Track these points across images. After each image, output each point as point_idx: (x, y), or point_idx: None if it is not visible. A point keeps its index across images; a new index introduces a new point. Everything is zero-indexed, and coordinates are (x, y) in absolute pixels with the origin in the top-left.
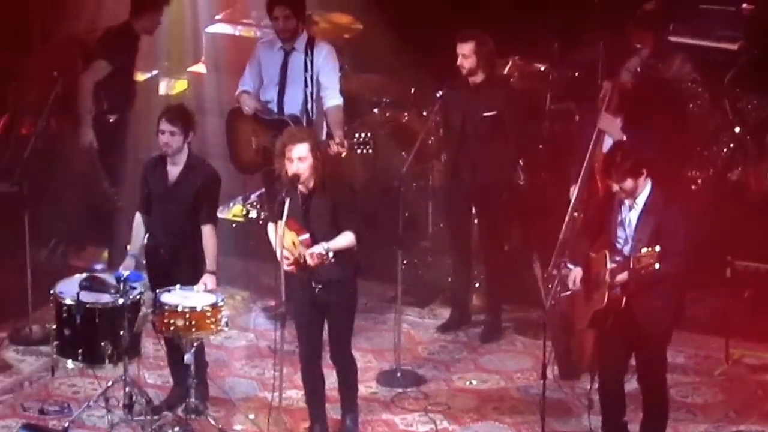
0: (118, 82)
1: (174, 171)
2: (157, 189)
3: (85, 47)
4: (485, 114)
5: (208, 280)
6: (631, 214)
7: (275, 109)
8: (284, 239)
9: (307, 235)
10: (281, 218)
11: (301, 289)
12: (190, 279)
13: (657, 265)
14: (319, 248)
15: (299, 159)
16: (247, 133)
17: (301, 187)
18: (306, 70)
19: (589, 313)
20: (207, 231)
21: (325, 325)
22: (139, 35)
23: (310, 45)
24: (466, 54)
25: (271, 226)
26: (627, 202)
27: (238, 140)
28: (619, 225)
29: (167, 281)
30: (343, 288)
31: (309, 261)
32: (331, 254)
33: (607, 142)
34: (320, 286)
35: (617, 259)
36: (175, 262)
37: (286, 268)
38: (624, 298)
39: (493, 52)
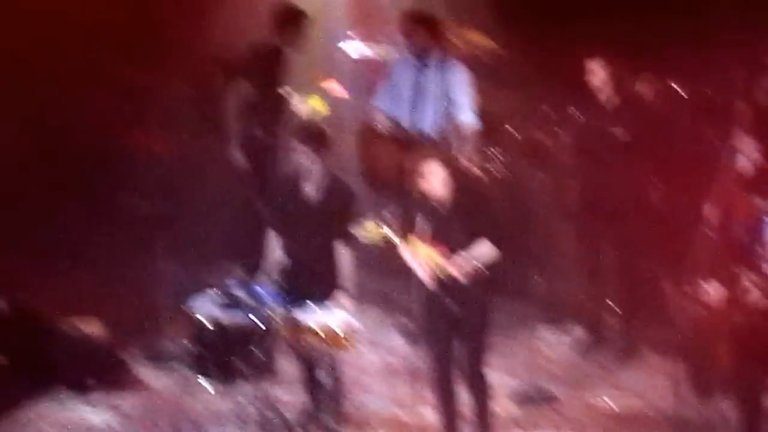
0: (264, 99)
1: (308, 189)
2: (292, 207)
3: (227, 65)
4: (615, 130)
5: (341, 297)
6: None
7: (408, 127)
8: (423, 255)
9: (446, 251)
10: (413, 233)
11: (438, 304)
12: (324, 296)
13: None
14: (459, 263)
15: (433, 175)
16: (379, 150)
17: (435, 204)
18: (439, 87)
19: (727, 328)
20: (341, 248)
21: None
22: (283, 52)
23: (444, 63)
24: (596, 70)
25: (406, 243)
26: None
27: (370, 157)
28: (762, 243)
29: (301, 298)
30: (479, 303)
31: (452, 271)
32: (473, 270)
33: (741, 161)
34: (457, 302)
35: (753, 277)
36: (309, 279)
37: (424, 283)
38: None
39: (623, 67)
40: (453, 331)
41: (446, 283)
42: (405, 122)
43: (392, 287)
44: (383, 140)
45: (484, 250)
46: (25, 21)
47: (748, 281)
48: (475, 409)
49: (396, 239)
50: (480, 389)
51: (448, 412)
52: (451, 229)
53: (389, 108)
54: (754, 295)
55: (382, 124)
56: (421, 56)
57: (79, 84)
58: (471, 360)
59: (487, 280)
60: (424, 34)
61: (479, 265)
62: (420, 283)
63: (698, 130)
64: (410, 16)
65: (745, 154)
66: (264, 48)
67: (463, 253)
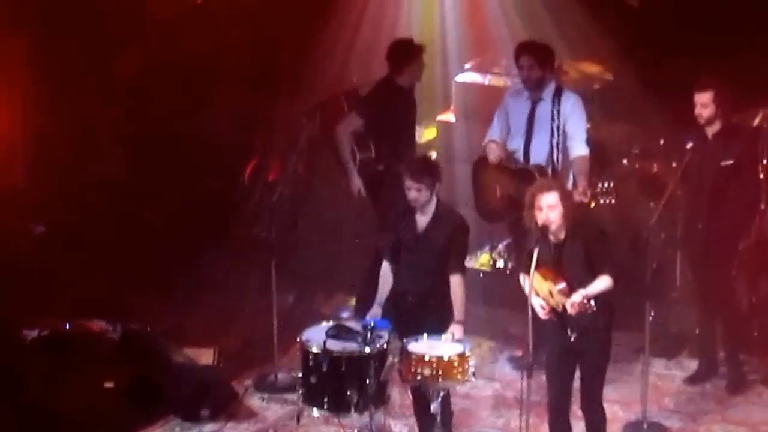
0: (385, 133)
1: (422, 220)
2: (406, 238)
3: (349, 99)
4: (723, 163)
5: (455, 329)
6: None
7: (521, 159)
8: (540, 289)
9: (563, 284)
10: (532, 268)
11: (556, 337)
12: (438, 328)
13: None
14: (578, 296)
15: (549, 207)
16: (493, 181)
17: (551, 237)
18: (553, 119)
19: None
20: (455, 280)
21: (577, 375)
22: (404, 87)
23: (558, 94)
24: (704, 102)
25: (523, 277)
26: None
27: (484, 189)
28: None
29: (414, 330)
30: (599, 336)
31: (570, 310)
32: (592, 302)
33: None
34: (576, 334)
35: None
36: (422, 311)
37: (542, 316)
38: None
39: (732, 100)
40: (573, 363)
41: (565, 315)
42: (518, 154)
43: (506, 319)
44: (496, 172)
45: (602, 285)
46: (153, 55)
47: None
48: None
49: (509, 271)
50: (597, 423)
51: None
52: (570, 261)
53: (504, 139)
54: None
55: (494, 155)
56: (535, 88)
57: (199, 111)
58: (590, 393)
59: (607, 312)
60: (539, 66)
61: (593, 305)
62: (536, 314)
63: None
64: (525, 47)
65: None
66: (380, 85)
67: (581, 290)
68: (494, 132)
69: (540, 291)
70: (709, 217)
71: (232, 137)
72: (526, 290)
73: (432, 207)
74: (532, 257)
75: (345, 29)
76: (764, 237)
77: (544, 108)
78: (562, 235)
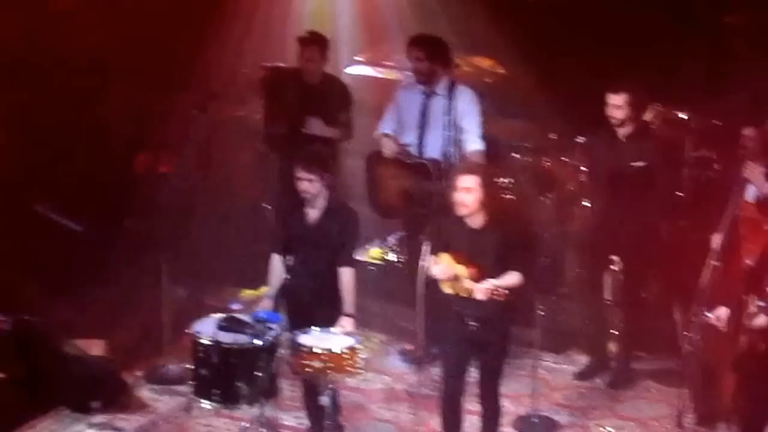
0: (276, 125)
1: (313, 214)
2: (297, 231)
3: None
4: (634, 164)
5: (345, 322)
6: None
7: (415, 153)
8: (448, 271)
9: (474, 270)
10: (443, 248)
11: (454, 326)
12: (329, 321)
13: None
14: (489, 284)
15: (464, 189)
16: (386, 175)
17: (468, 222)
18: (447, 114)
19: (732, 355)
20: (345, 273)
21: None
22: (306, 81)
23: (452, 89)
24: (618, 104)
25: (435, 259)
26: None
27: (377, 183)
28: None
29: (306, 323)
30: (500, 327)
31: (479, 294)
32: (502, 288)
33: (751, 191)
34: (476, 324)
35: (760, 304)
36: (314, 304)
37: (448, 298)
38: (766, 344)
39: (644, 102)
40: (471, 354)
41: (467, 304)
42: (413, 148)
43: (397, 313)
44: (390, 167)
45: (512, 281)
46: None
47: (756, 310)
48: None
49: (401, 263)
50: (493, 415)
51: None
52: (483, 250)
53: (396, 133)
54: (754, 321)
55: (389, 150)
56: (426, 81)
57: (90, 107)
58: (489, 384)
59: (508, 304)
60: (429, 59)
61: (506, 292)
62: (433, 306)
63: (708, 160)
64: (415, 41)
65: (756, 184)
66: (281, 74)
67: (491, 280)
68: (386, 125)
69: (449, 274)
70: (617, 217)
71: (125, 130)
72: (439, 275)
73: (323, 200)
74: (443, 237)
75: (237, 21)
76: (664, 234)
77: (438, 102)
78: (479, 223)
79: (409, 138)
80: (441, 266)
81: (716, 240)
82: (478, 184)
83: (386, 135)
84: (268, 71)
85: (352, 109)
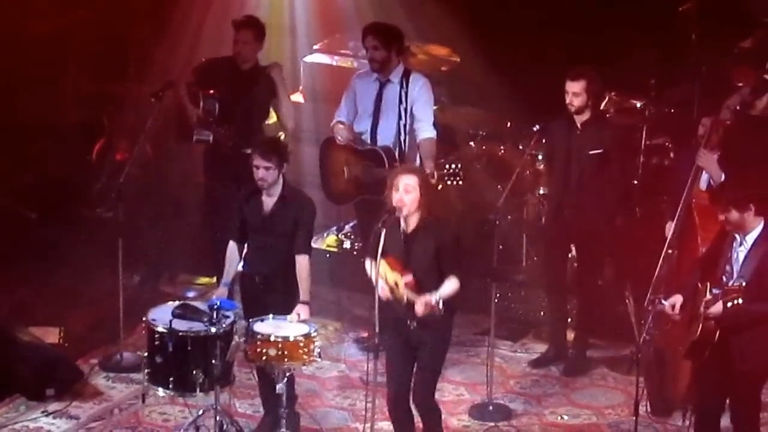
0: (229, 114)
1: (269, 202)
2: (253, 219)
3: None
4: (591, 152)
5: (301, 310)
6: (739, 250)
7: (369, 140)
8: (386, 277)
9: (410, 277)
10: (378, 252)
11: (395, 326)
12: (284, 308)
13: (739, 300)
14: (431, 297)
15: (405, 190)
16: (340, 163)
17: (403, 225)
18: (400, 102)
19: (686, 343)
20: (301, 261)
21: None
22: (242, 67)
23: (406, 77)
24: (576, 92)
25: (369, 261)
26: (737, 237)
27: (331, 170)
28: (728, 261)
29: (261, 310)
30: (439, 328)
31: (418, 309)
32: (441, 305)
33: (704, 179)
34: (415, 324)
35: (715, 291)
36: (269, 292)
37: (385, 299)
38: (718, 332)
39: (602, 90)
40: (412, 353)
41: (406, 306)
42: (366, 136)
43: (352, 301)
44: (343, 153)
45: (451, 288)
46: None
47: (710, 298)
48: None
49: (356, 252)
50: (431, 417)
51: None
52: (419, 254)
53: (351, 121)
54: (710, 308)
55: (342, 137)
56: (380, 69)
57: (45, 92)
58: (423, 386)
59: (448, 310)
60: (384, 46)
61: (442, 309)
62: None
63: (663, 148)
64: (370, 29)
65: (709, 172)
66: (226, 63)
67: (435, 293)
68: (341, 113)
69: (387, 279)
70: (574, 204)
71: (80, 117)
72: (371, 274)
73: (278, 188)
74: (379, 241)
75: (194, 9)
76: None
77: (392, 90)
78: (413, 225)
79: (363, 125)
80: (376, 270)
81: (670, 228)
82: (417, 184)
83: (340, 122)
84: (201, 64)
85: (279, 102)
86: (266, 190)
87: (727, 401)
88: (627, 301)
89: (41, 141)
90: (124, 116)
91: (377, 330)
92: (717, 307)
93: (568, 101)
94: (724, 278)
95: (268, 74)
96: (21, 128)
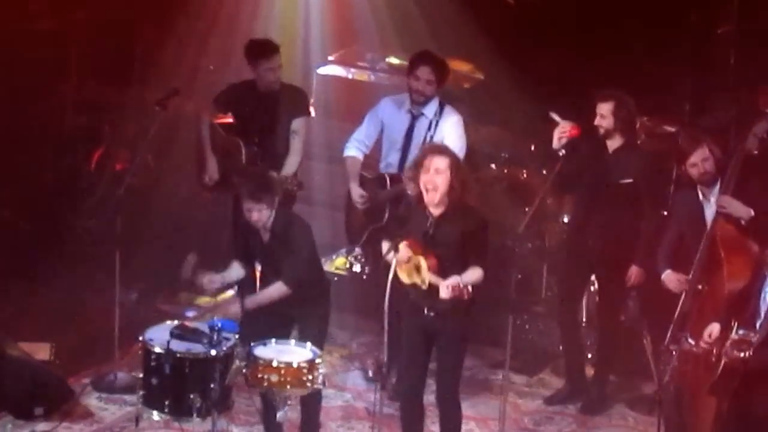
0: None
1: (265, 234)
2: (254, 250)
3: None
4: (621, 181)
5: (232, 303)
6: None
7: (395, 170)
8: (407, 259)
9: (434, 261)
10: (401, 237)
11: (412, 316)
12: (288, 333)
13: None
14: (455, 280)
15: (436, 171)
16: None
17: (431, 209)
18: (430, 137)
19: (708, 381)
20: (276, 286)
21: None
22: (261, 90)
23: (440, 112)
24: (604, 114)
25: (386, 243)
26: None
27: (350, 210)
28: (758, 298)
29: (264, 334)
30: (458, 318)
31: (444, 292)
32: (469, 288)
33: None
34: (433, 313)
35: (741, 332)
36: (273, 315)
37: (404, 281)
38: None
39: (634, 114)
40: (428, 345)
41: (425, 293)
42: (393, 169)
43: (360, 326)
44: (368, 185)
45: (474, 277)
46: None
47: (737, 339)
48: None
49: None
50: (452, 417)
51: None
52: (444, 240)
53: (368, 145)
54: (741, 352)
55: (359, 201)
56: (423, 103)
57: (43, 97)
58: (446, 379)
59: (467, 301)
60: (437, 81)
61: (470, 290)
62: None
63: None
64: (427, 58)
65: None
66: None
67: (455, 276)
68: (361, 134)
69: (408, 262)
70: (601, 235)
71: (79, 124)
72: (388, 257)
73: (272, 220)
74: (404, 224)
75: (203, 15)
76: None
77: (424, 124)
78: (441, 210)
79: (392, 158)
80: (400, 253)
81: (698, 262)
82: (448, 166)
83: (352, 157)
84: (222, 92)
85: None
86: (261, 227)
87: None
88: (644, 340)
89: (37, 148)
90: (125, 124)
91: (386, 357)
92: (741, 351)
93: (596, 122)
94: (753, 317)
95: (292, 93)
96: (16, 134)
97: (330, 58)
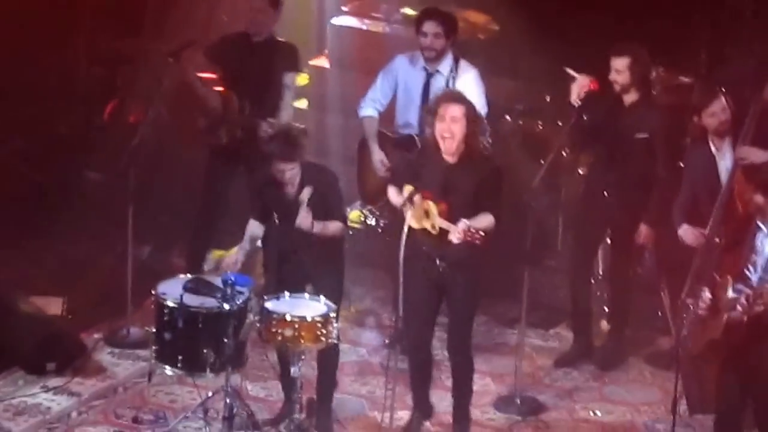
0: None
1: (291, 188)
2: (277, 206)
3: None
4: (637, 136)
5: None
6: (766, 242)
7: (418, 133)
8: (417, 205)
9: (444, 206)
10: (412, 181)
11: (422, 267)
12: (302, 287)
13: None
14: (463, 224)
15: (452, 119)
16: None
17: (446, 157)
18: (446, 86)
19: (703, 341)
20: (335, 224)
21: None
22: (253, 39)
23: (455, 68)
24: (619, 69)
25: (393, 188)
26: (763, 227)
27: (366, 169)
28: (752, 250)
29: (278, 288)
30: (471, 269)
31: (454, 236)
32: (481, 232)
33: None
34: (444, 264)
35: (740, 287)
36: (286, 270)
37: (414, 226)
38: (742, 333)
39: (649, 69)
40: (438, 297)
41: (436, 242)
42: (412, 129)
43: (375, 281)
44: (390, 145)
45: (485, 222)
46: None
47: (733, 291)
48: (456, 396)
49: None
50: (464, 370)
51: (421, 379)
52: (457, 187)
53: (384, 104)
54: (735, 308)
55: (371, 133)
56: (435, 59)
57: (55, 48)
58: (458, 331)
59: (479, 249)
60: (445, 35)
61: (482, 234)
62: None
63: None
64: (432, 13)
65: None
66: (238, 39)
67: (464, 220)
68: (376, 95)
69: (416, 208)
70: (617, 188)
71: (92, 76)
72: (394, 200)
73: (298, 174)
74: (412, 169)
75: None
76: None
77: (440, 81)
78: (455, 157)
79: (411, 117)
80: (410, 203)
81: (712, 215)
82: (464, 114)
83: (369, 117)
84: (210, 44)
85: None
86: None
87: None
88: (662, 294)
89: (50, 101)
90: (138, 76)
91: (401, 312)
92: (742, 308)
93: (611, 78)
94: (749, 271)
95: (284, 48)
96: (29, 87)
97: (344, 8)
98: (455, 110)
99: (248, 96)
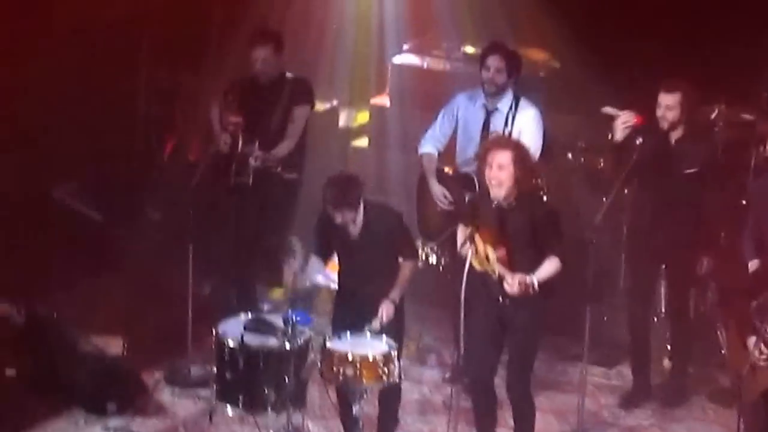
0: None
1: (354, 230)
2: (340, 244)
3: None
4: (687, 171)
5: (384, 307)
6: None
7: (473, 171)
8: (478, 248)
9: (503, 251)
10: (471, 222)
11: (483, 304)
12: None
13: None
14: (526, 276)
15: (499, 167)
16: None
17: (498, 200)
18: (506, 125)
19: (758, 390)
20: (406, 264)
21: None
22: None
23: (515, 106)
24: (670, 105)
25: (461, 228)
26: None
27: (427, 204)
28: None
29: (341, 327)
30: (534, 306)
31: (510, 288)
32: (536, 284)
33: None
34: (508, 300)
35: None
36: (349, 309)
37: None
38: None
39: (698, 105)
40: (501, 332)
41: (498, 281)
42: (472, 167)
43: (436, 319)
44: (449, 183)
45: (551, 269)
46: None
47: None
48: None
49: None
50: (524, 410)
51: (486, 417)
52: (513, 229)
53: (443, 142)
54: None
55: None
56: (495, 94)
57: (110, 84)
58: (518, 370)
59: (550, 283)
60: (507, 72)
61: (537, 288)
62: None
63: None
64: (496, 48)
65: None
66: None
67: (532, 276)
68: (436, 133)
69: (478, 251)
70: (670, 225)
71: (151, 112)
72: (461, 242)
73: (360, 215)
74: (473, 210)
75: (276, 3)
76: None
77: (500, 119)
78: (509, 201)
79: (471, 154)
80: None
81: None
82: (512, 160)
83: (428, 154)
84: (227, 87)
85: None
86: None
87: None
88: (719, 332)
89: (110, 136)
90: (198, 113)
91: (462, 350)
92: None
93: (660, 114)
94: None
95: (294, 84)
96: (89, 123)
97: (405, 46)
98: (502, 157)
99: (258, 135)
